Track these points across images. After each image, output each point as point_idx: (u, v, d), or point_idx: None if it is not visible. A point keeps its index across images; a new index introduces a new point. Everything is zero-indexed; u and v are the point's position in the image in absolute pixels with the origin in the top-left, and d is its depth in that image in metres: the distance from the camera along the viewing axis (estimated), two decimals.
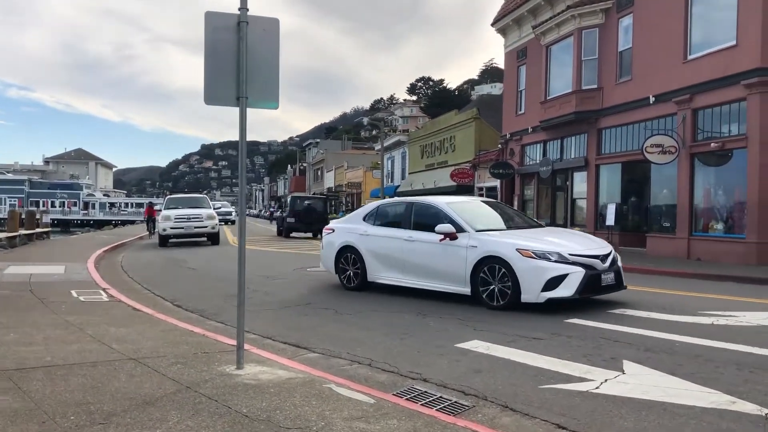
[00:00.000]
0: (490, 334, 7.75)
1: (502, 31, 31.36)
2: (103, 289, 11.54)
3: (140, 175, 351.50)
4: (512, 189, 30.81)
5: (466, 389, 5.56)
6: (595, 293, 9.54)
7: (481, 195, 35.28)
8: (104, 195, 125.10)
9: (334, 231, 12.48)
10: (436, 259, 10.22)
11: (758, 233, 16.15)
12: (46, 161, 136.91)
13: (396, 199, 12.88)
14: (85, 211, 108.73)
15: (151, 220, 34.89)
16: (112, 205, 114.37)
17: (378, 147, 57.70)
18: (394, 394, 5.36)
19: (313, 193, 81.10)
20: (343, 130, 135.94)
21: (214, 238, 25.71)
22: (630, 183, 22.89)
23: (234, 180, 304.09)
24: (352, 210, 57.86)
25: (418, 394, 5.43)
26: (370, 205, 12.40)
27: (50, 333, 7.40)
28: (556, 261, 9.09)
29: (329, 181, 78.21)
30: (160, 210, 27.37)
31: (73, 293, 10.87)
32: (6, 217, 24.88)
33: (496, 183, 31.97)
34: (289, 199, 35.93)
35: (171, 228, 24.69)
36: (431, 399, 5.28)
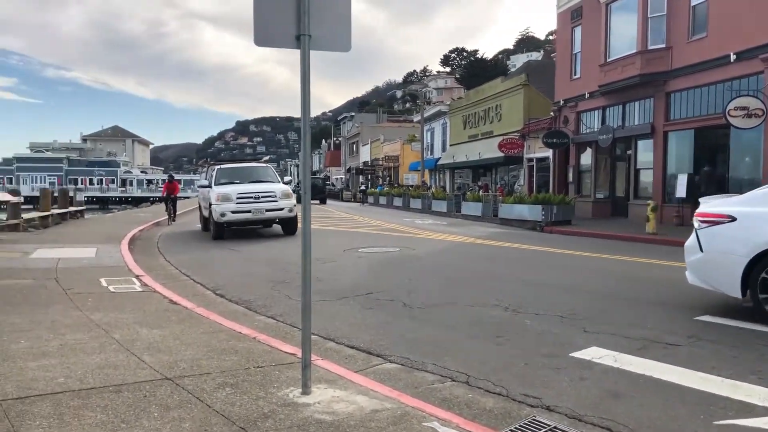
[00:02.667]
0: (609, 337, 6.21)
1: None
2: (137, 276, 10.29)
3: (177, 152, 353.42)
4: (566, 159, 28.89)
5: (611, 425, 4.11)
6: None
7: (531, 166, 33.44)
8: (141, 172, 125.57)
9: (734, 220, 6.97)
10: None
11: None
12: (84, 139, 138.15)
13: None
14: (123, 189, 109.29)
15: (170, 200, 25.74)
16: (149, 182, 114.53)
17: (416, 119, 55.85)
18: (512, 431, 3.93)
19: (347, 168, 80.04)
20: (377, 103, 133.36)
21: (289, 225, 18.38)
22: (703, 151, 20.86)
23: (270, 156, 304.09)
24: (390, 184, 56.29)
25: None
26: None
27: (69, 338, 6.08)
28: None
29: (365, 154, 76.28)
30: (209, 186, 18.73)
31: (103, 282, 9.61)
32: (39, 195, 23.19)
33: (548, 153, 30.05)
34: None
35: (233, 213, 17.25)
36: None
